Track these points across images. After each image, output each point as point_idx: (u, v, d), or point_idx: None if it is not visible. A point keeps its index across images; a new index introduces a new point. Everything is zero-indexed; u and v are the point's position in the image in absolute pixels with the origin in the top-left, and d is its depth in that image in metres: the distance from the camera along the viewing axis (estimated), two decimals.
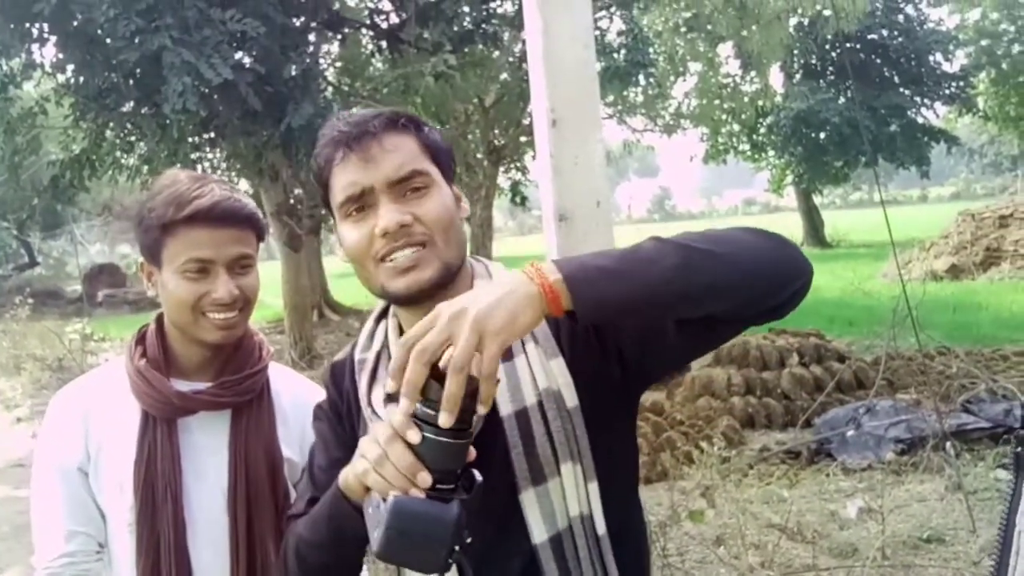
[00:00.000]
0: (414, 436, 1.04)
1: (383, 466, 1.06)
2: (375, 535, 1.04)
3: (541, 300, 1.04)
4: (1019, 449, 1.23)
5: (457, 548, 1.04)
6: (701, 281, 1.08)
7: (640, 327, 1.23)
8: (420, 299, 1.25)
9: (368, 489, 1.10)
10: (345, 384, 1.39)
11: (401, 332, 1.34)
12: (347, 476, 1.18)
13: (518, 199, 15.55)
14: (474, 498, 1.07)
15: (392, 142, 1.25)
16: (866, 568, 4.25)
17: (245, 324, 1.66)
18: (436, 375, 1.02)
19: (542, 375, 1.24)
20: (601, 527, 1.24)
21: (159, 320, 1.68)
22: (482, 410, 1.04)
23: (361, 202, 1.25)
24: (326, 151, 1.27)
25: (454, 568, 1.07)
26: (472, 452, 1.09)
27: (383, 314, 1.39)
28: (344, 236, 1.28)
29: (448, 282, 1.26)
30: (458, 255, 1.28)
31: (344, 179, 1.25)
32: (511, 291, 1.04)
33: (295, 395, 1.76)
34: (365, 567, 1.55)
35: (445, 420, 1.01)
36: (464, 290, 1.28)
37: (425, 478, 1.04)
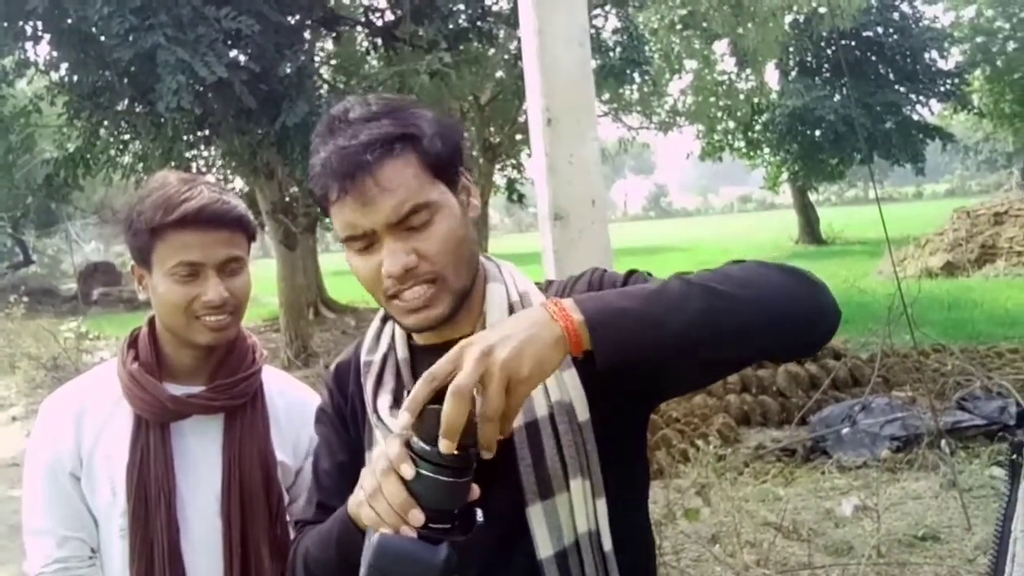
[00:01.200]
0: (408, 471, 1.00)
1: (376, 500, 1.03)
2: (361, 569, 1.01)
3: (565, 343, 1.02)
4: (1014, 456, 1.23)
5: None
6: (725, 329, 1.06)
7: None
8: (432, 330, 1.23)
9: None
10: (350, 386, 1.36)
11: (408, 336, 1.32)
12: (351, 504, 1.14)
13: (514, 196, 15.56)
14: (472, 539, 1.03)
15: (388, 176, 1.16)
16: (861, 566, 4.26)
17: (237, 326, 1.64)
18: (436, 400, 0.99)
19: (554, 387, 1.21)
20: (608, 544, 1.21)
21: (151, 323, 1.67)
22: (485, 456, 1.01)
23: (364, 241, 1.20)
24: (320, 185, 1.20)
25: None
26: (475, 491, 1.05)
27: (388, 315, 1.35)
28: (353, 266, 1.23)
29: (461, 307, 1.23)
30: (469, 276, 1.24)
31: (343, 219, 1.19)
32: (538, 334, 1.01)
33: (289, 398, 1.75)
34: None
35: (445, 447, 0.97)
36: (475, 297, 1.27)
37: (417, 516, 1.00)
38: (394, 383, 1.29)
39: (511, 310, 1.25)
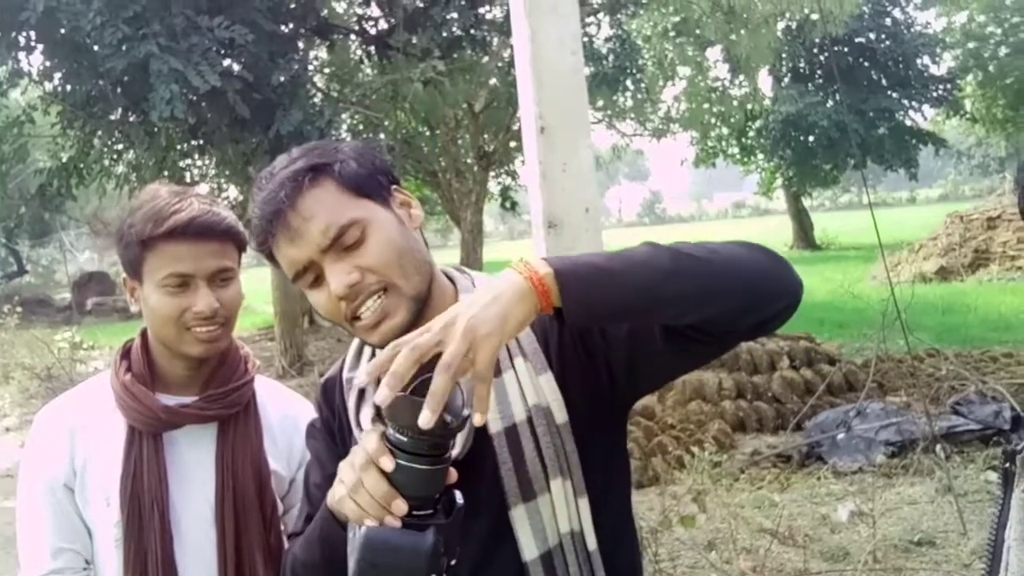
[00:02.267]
0: (388, 463, 1.02)
1: (358, 494, 1.04)
2: (350, 563, 1.02)
3: (532, 295, 1.02)
4: (1007, 464, 1.23)
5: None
6: (691, 285, 1.07)
7: (627, 339, 1.22)
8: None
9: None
10: (336, 401, 1.38)
11: None
12: (330, 499, 1.16)
13: (508, 204, 15.54)
14: (454, 521, 1.05)
15: (307, 207, 1.19)
16: (857, 571, 4.27)
17: (228, 337, 1.65)
18: (414, 391, 1.00)
19: (531, 391, 1.23)
20: (592, 543, 1.23)
21: (144, 334, 1.68)
22: (477, 419, 1.01)
23: (309, 273, 1.22)
24: (258, 236, 1.25)
25: None
26: (452, 475, 1.07)
27: None
28: (314, 303, 1.26)
29: (423, 310, 1.24)
30: (422, 278, 1.25)
31: (284, 260, 1.23)
32: (501, 292, 1.02)
33: (281, 408, 1.75)
34: None
35: (425, 420, 0.97)
36: (446, 306, 1.28)
37: (400, 506, 1.02)
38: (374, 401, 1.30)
39: None
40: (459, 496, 1.07)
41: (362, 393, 1.31)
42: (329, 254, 1.19)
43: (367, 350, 1.36)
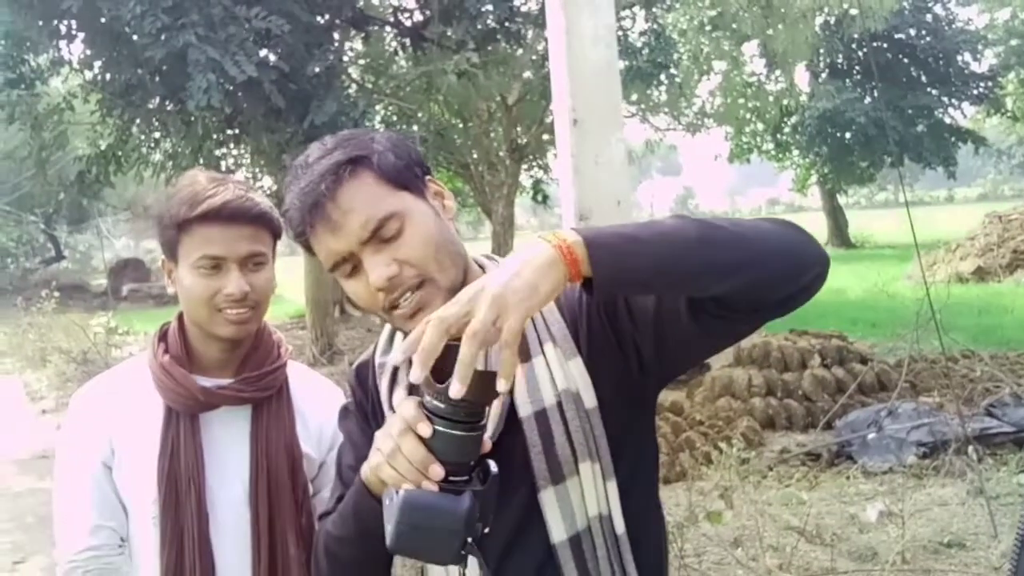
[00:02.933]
0: (425, 429, 1.04)
1: (396, 459, 1.07)
2: (388, 528, 1.05)
3: (561, 263, 1.03)
4: None
5: (470, 540, 1.04)
6: (718, 255, 1.08)
7: (654, 321, 1.22)
8: None
9: (385, 481, 1.11)
10: (369, 384, 1.41)
11: None
12: (366, 469, 1.18)
13: (540, 197, 15.52)
14: (489, 488, 1.08)
15: (346, 199, 1.21)
16: (885, 572, 4.23)
17: (259, 320, 1.68)
18: (450, 366, 1.01)
19: (561, 376, 1.24)
20: (620, 527, 1.24)
21: (180, 318, 1.72)
22: (503, 386, 1.02)
23: (347, 264, 1.24)
24: (296, 226, 1.26)
25: (473, 560, 1.07)
26: (487, 443, 1.09)
27: None
28: (350, 293, 1.28)
29: None
30: (457, 270, 1.26)
31: (322, 250, 1.24)
32: (528, 260, 1.03)
33: (313, 393, 1.79)
34: None
35: (456, 390, 0.99)
36: None
37: (437, 471, 1.04)
38: (408, 380, 1.31)
39: None
40: (493, 465, 1.09)
41: (395, 376, 1.34)
42: (368, 246, 1.21)
43: (399, 335, 1.37)
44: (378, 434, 1.13)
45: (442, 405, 1.03)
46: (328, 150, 1.25)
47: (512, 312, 0.99)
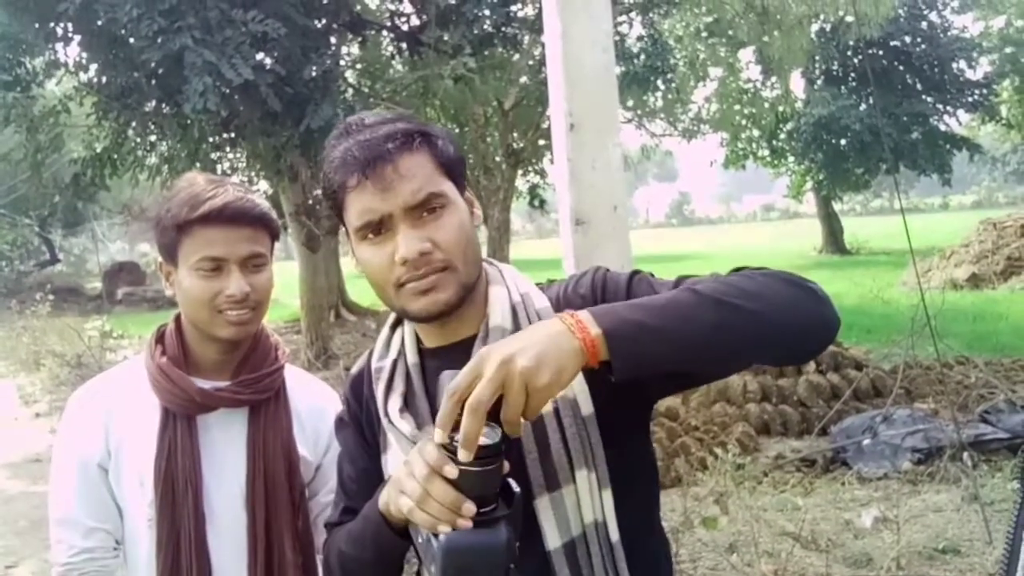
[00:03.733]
0: (451, 471, 1.05)
1: (426, 503, 1.06)
2: (432, 571, 1.06)
3: (583, 355, 1.05)
4: None
5: (513, 566, 1.06)
6: (735, 340, 1.11)
7: None
8: (438, 318, 1.27)
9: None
10: (364, 393, 1.41)
11: (418, 340, 1.36)
12: (387, 505, 1.18)
13: (536, 202, 15.53)
14: (515, 509, 1.09)
15: (407, 166, 1.23)
16: None
17: (259, 322, 1.69)
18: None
19: None
20: (615, 534, 1.24)
21: (177, 319, 1.72)
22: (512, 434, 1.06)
23: (379, 227, 1.24)
24: (339, 175, 1.25)
25: None
26: (506, 466, 1.09)
27: (398, 322, 1.41)
28: (362, 258, 1.28)
29: (466, 299, 1.27)
30: (475, 271, 1.29)
31: (361, 205, 1.24)
32: (556, 345, 1.04)
33: (309, 396, 1.79)
34: None
35: (463, 456, 1.02)
36: (479, 297, 1.31)
37: (470, 508, 1.05)
38: (404, 386, 1.33)
39: (513, 311, 1.30)
40: (515, 485, 1.11)
41: (390, 383, 1.34)
42: (408, 217, 1.22)
43: (395, 342, 1.38)
44: (398, 475, 1.13)
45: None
46: (390, 119, 1.28)
47: (538, 396, 1.03)
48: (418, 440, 1.19)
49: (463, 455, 1.02)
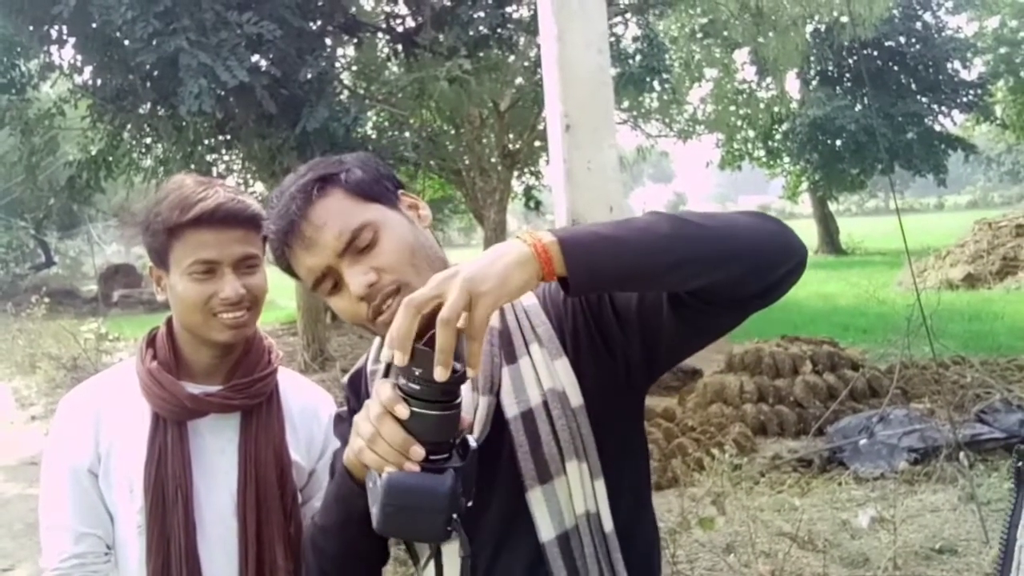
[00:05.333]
0: (403, 411, 1.05)
1: (376, 443, 1.07)
2: (373, 511, 1.07)
3: (534, 261, 1.04)
4: (1020, 464, 1.22)
5: (455, 516, 1.06)
6: (693, 249, 1.09)
7: (638, 318, 1.23)
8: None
9: (367, 465, 1.12)
10: (363, 392, 1.41)
11: None
12: (348, 454, 1.19)
13: (532, 203, 15.52)
14: (469, 463, 1.09)
15: (319, 215, 1.25)
16: None
17: (254, 323, 1.67)
18: (426, 343, 1.03)
19: (547, 375, 1.26)
20: (608, 525, 1.25)
21: (169, 323, 1.70)
22: (470, 373, 1.05)
23: (328, 280, 1.26)
24: (276, 250, 1.29)
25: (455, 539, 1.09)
26: (465, 421, 1.10)
27: None
28: (336, 310, 1.30)
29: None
30: (435, 273, 1.29)
31: (303, 269, 1.27)
32: (503, 254, 1.04)
33: (302, 400, 1.77)
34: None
35: (440, 374, 1.00)
36: None
37: (418, 451, 1.05)
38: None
39: (501, 308, 1.30)
40: (472, 440, 1.11)
41: None
42: (345, 258, 1.24)
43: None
44: (357, 418, 1.13)
45: (417, 387, 1.04)
46: (300, 175, 1.30)
47: (480, 300, 1.01)
48: None
49: (439, 372, 1.00)
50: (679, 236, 1.08)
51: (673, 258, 1.08)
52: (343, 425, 1.43)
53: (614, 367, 1.27)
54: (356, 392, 1.43)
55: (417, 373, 1.03)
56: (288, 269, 1.31)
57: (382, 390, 1.08)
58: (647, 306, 1.22)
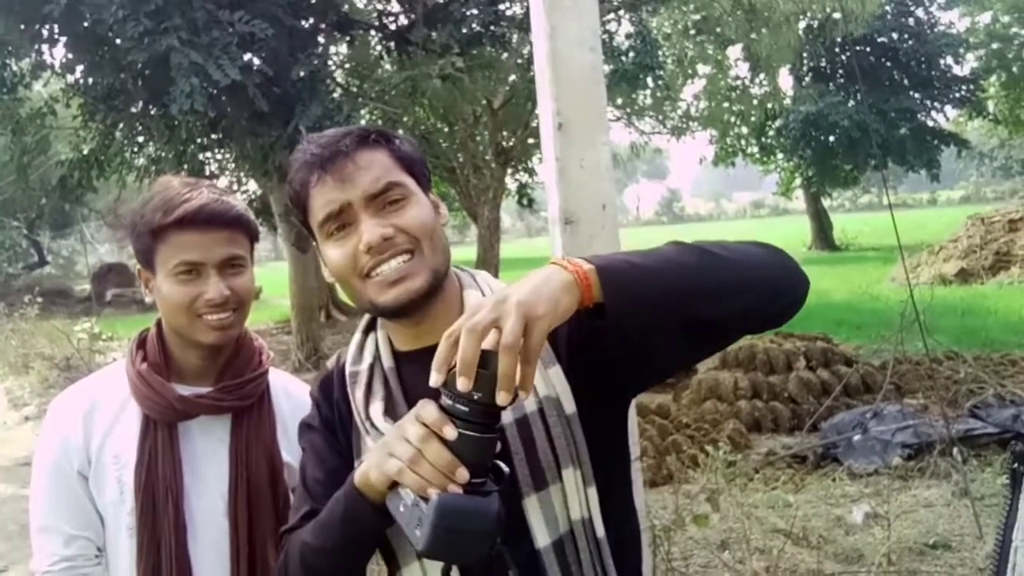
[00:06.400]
0: (451, 432, 1.05)
1: (419, 464, 1.06)
2: (417, 533, 1.05)
3: (576, 288, 1.06)
4: (1015, 465, 1.22)
5: (499, 539, 1.06)
6: (716, 281, 1.14)
7: (640, 333, 1.24)
8: (410, 310, 1.26)
9: (392, 487, 1.11)
10: (335, 396, 1.39)
11: (391, 345, 1.36)
12: (367, 475, 1.16)
13: (525, 201, 15.52)
14: (504, 488, 1.09)
15: (365, 158, 1.27)
16: (871, 574, 4.24)
17: (241, 325, 1.66)
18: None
19: (541, 383, 1.26)
20: (600, 530, 1.26)
21: (159, 324, 1.69)
22: (523, 396, 1.06)
23: (341, 220, 1.26)
24: (301, 174, 1.29)
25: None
26: (499, 445, 1.10)
27: (370, 327, 1.40)
28: (328, 255, 1.29)
29: (437, 290, 1.28)
30: (444, 261, 1.30)
31: (322, 199, 1.27)
32: (548, 278, 1.06)
33: (294, 400, 1.75)
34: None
35: (503, 399, 1.01)
36: (452, 301, 1.32)
37: (463, 474, 1.05)
38: (383, 391, 1.32)
39: None
40: (504, 466, 1.12)
41: (369, 388, 1.33)
42: (370, 207, 1.25)
43: (369, 346, 1.38)
44: (387, 440, 1.13)
45: (465, 408, 1.04)
46: (349, 127, 1.33)
47: (537, 324, 1.02)
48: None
49: (462, 383, 1.01)
50: (705, 268, 1.14)
51: (698, 287, 1.14)
52: (312, 433, 1.42)
53: (607, 375, 1.28)
54: (327, 397, 1.41)
55: (476, 397, 1.03)
56: (302, 201, 1.30)
57: (427, 411, 1.07)
58: (654, 323, 1.24)
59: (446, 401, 1.06)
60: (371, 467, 1.15)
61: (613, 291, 1.07)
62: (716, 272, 1.14)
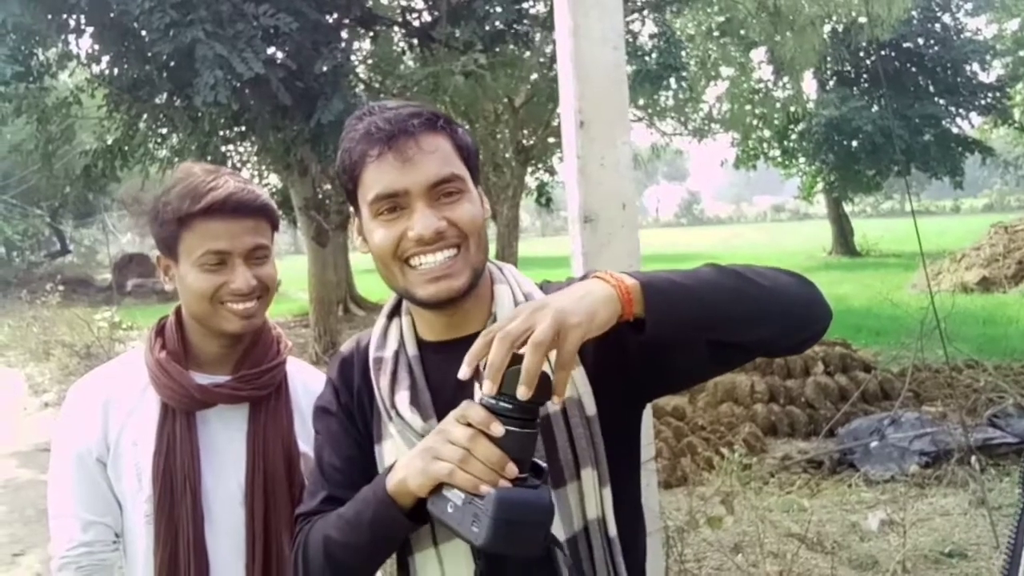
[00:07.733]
0: (498, 429, 1.07)
1: (469, 463, 1.08)
2: (475, 529, 1.07)
3: (617, 302, 1.10)
4: None
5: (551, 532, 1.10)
6: (751, 307, 1.18)
7: (676, 343, 1.25)
8: (446, 306, 1.27)
9: (435, 490, 1.13)
10: (355, 381, 1.38)
11: (416, 331, 1.35)
12: (404, 482, 1.16)
13: (544, 200, 15.51)
14: (545, 482, 1.12)
15: (430, 143, 1.25)
16: None
17: (264, 313, 1.66)
18: (513, 363, 1.06)
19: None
20: (613, 529, 1.28)
21: (178, 313, 1.69)
22: (556, 402, 1.10)
23: (395, 202, 1.24)
24: (361, 146, 1.25)
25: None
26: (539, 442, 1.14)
27: (394, 311, 1.39)
28: (372, 233, 1.28)
29: (473, 287, 1.28)
30: (483, 260, 1.31)
31: (379, 178, 1.24)
32: (589, 291, 1.09)
33: (312, 390, 1.73)
34: None
35: (523, 392, 1.04)
36: (484, 295, 1.33)
37: (512, 469, 1.08)
38: (409, 380, 1.32)
39: None
40: (542, 462, 1.16)
41: (395, 376, 1.32)
42: (427, 196, 1.24)
43: (393, 332, 1.37)
44: (431, 443, 1.14)
45: (509, 405, 1.07)
46: (412, 104, 1.31)
47: (570, 332, 1.05)
48: (428, 434, 1.17)
49: (487, 387, 1.04)
50: (742, 293, 1.17)
51: (735, 312, 1.17)
52: (329, 419, 1.40)
53: (628, 383, 1.30)
54: (347, 381, 1.39)
55: (509, 393, 1.06)
56: (352, 167, 1.27)
57: (473, 411, 1.09)
58: (683, 341, 1.24)
59: (488, 400, 1.08)
60: (411, 474, 1.15)
61: (655, 308, 1.11)
62: (752, 298, 1.18)
